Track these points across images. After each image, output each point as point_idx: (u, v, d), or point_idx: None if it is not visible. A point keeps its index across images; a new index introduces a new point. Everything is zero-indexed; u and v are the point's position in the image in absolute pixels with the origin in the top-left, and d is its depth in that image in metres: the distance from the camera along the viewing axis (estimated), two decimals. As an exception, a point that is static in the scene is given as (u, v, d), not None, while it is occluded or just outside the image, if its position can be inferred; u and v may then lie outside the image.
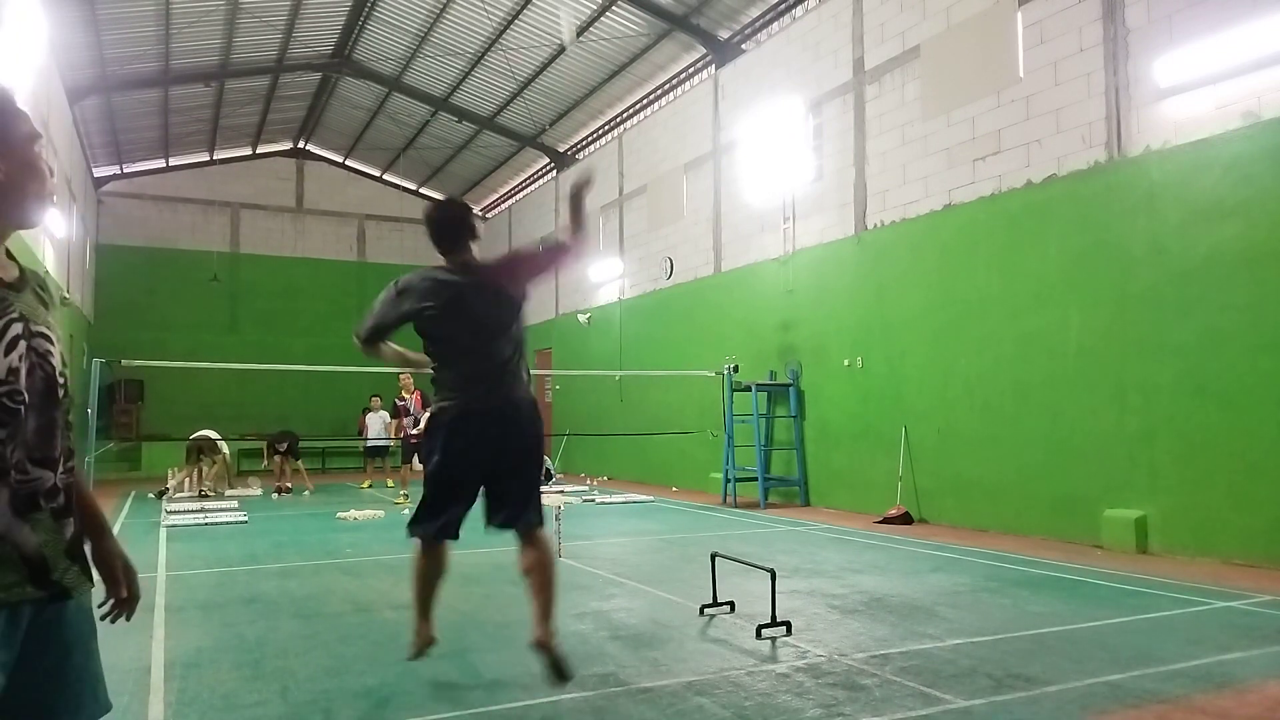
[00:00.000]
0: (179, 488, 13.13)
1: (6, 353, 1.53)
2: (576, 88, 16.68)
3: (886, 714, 3.54)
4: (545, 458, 4.03)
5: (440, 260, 3.88)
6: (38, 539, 1.52)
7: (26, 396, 1.53)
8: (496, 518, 3.86)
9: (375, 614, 5.46)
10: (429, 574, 3.93)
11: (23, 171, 1.58)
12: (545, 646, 3.66)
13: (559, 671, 3.65)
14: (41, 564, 1.52)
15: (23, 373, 1.53)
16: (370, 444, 15.32)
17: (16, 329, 1.56)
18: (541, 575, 3.77)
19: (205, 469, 13.27)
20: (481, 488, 3.87)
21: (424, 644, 3.99)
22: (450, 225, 3.86)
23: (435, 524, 3.84)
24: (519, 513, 3.82)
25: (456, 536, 3.88)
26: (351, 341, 4.07)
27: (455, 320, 3.74)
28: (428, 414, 4.13)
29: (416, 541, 3.93)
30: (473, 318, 3.75)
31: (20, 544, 1.50)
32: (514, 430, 3.81)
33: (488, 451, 3.77)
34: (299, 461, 14.04)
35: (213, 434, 13.08)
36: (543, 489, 4.07)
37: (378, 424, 14.97)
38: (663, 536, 8.84)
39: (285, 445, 14.09)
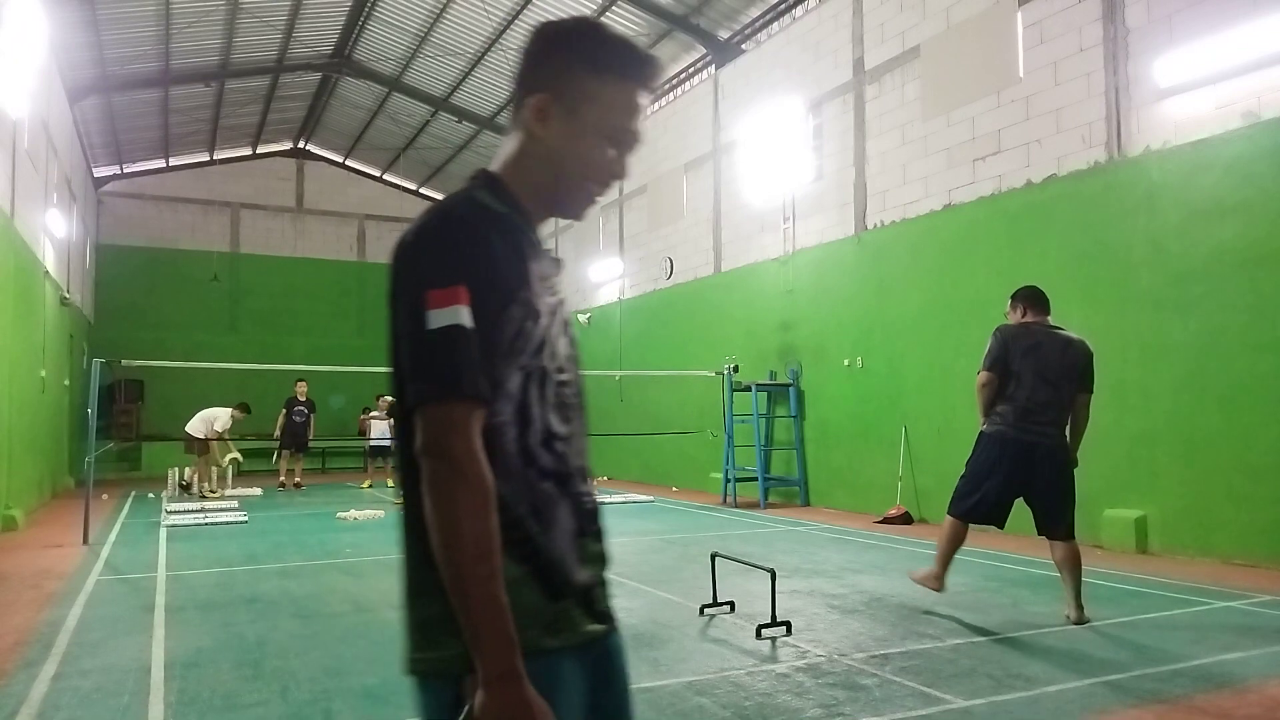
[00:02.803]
0: (212, 481, 13.28)
1: (563, 336, 1.34)
2: (576, 88, 16.66)
3: (886, 714, 3.54)
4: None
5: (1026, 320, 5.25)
6: (591, 568, 1.33)
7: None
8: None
9: (375, 614, 5.46)
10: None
11: (612, 163, 1.36)
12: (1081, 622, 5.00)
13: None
14: (594, 592, 1.33)
15: (574, 364, 1.36)
16: (373, 444, 15.36)
17: (565, 313, 1.37)
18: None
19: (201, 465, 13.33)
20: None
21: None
22: (1045, 298, 5.33)
23: (989, 514, 5.20)
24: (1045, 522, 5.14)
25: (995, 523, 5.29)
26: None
27: (1029, 360, 5.05)
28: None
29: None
30: (1043, 362, 5.03)
31: (572, 573, 1.29)
32: (1046, 461, 5.08)
33: (1030, 470, 5.06)
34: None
35: (198, 428, 13.11)
36: None
37: (382, 424, 14.98)
38: (663, 536, 8.84)
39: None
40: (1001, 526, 5.35)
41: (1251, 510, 6.82)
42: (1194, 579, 6.31)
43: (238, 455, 14.07)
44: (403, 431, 1.23)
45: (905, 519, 9.75)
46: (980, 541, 8.20)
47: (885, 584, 6.23)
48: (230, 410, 13.32)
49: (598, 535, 1.35)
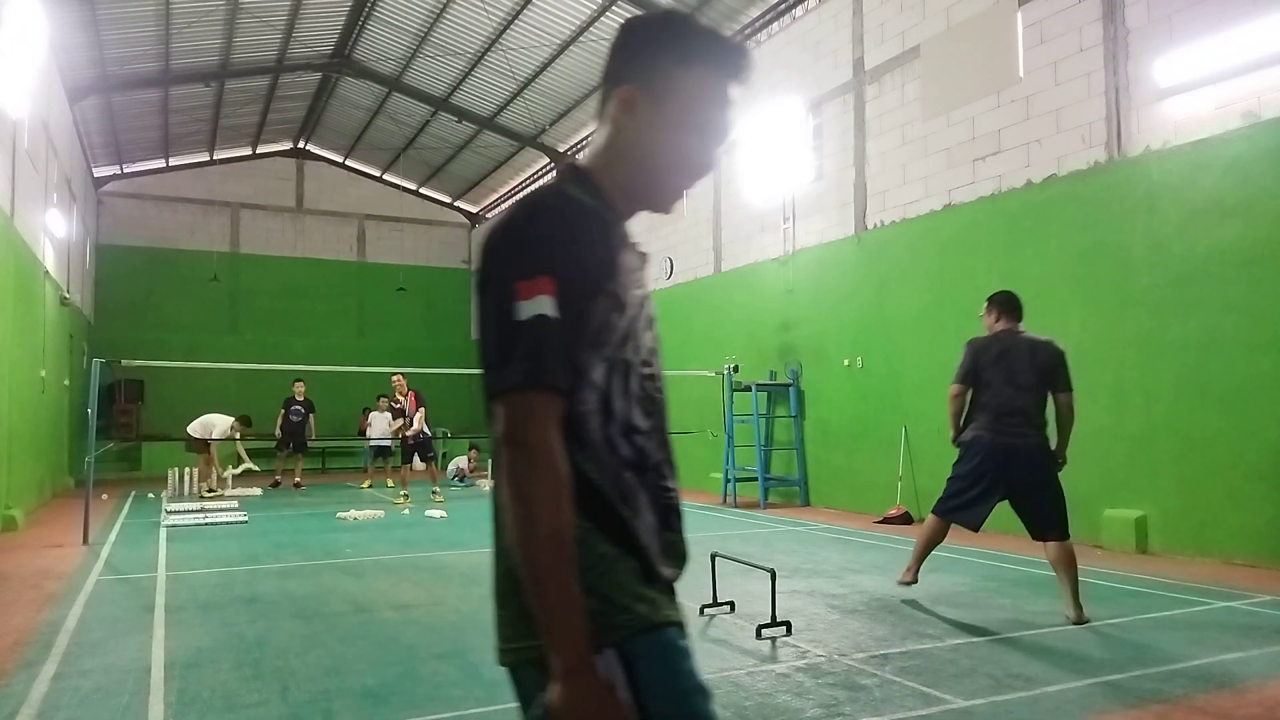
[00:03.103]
0: (212, 480, 13.36)
1: (648, 330, 1.33)
2: (576, 88, 16.67)
3: (886, 714, 3.54)
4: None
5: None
6: (672, 564, 1.32)
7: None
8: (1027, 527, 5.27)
9: (375, 614, 5.46)
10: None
11: (701, 154, 1.35)
12: (1081, 621, 4.97)
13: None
14: (673, 590, 1.32)
15: (657, 358, 1.36)
16: (374, 443, 15.37)
17: (651, 308, 1.37)
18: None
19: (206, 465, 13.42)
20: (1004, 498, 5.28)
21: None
22: (1018, 304, 5.41)
23: (967, 514, 5.35)
24: (1036, 525, 5.19)
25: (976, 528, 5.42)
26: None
27: (999, 367, 5.20)
28: (965, 437, 5.42)
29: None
30: (1012, 367, 5.17)
31: (657, 563, 1.27)
32: (1025, 461, 5.15)
33: (1008, 470, 5.17)
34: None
35: (198, 429, 13.26)
36: None
37: (382, 424, 14.99)
38: (663, 536, 8.83)
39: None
40: (976, 530, 5.43)
41: (1251, 510, 6.82)
42: (1194, 579, 6.32)
43: (252, 466, 14.14)
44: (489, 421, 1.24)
45: (905, 519, 9.74)
46: (981, 541, 8.20)
47: (885, 584, 6.23)
48: (231, 421, 13.45)
49: (680, 532, 1.34)
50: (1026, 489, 5.18)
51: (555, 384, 1.16)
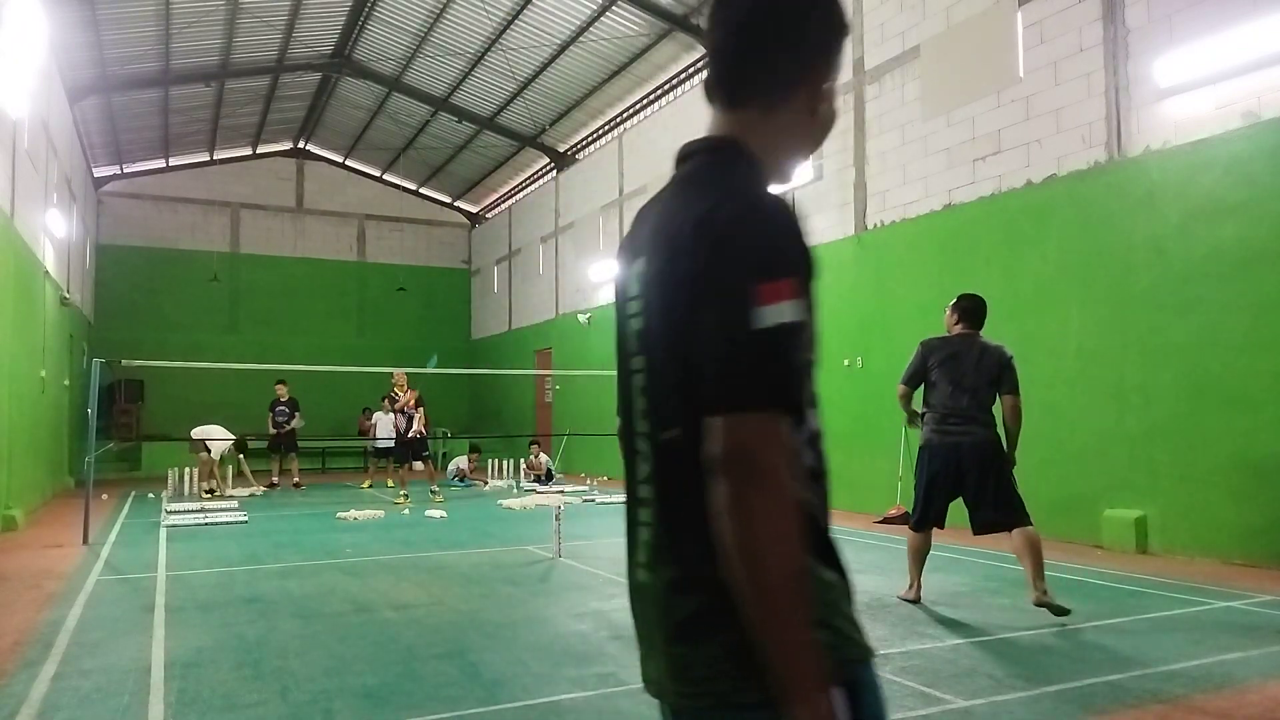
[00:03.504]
0: (214, 480, 13.50)
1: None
2: (576, 88, 16.69)
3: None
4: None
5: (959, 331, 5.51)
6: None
7: None
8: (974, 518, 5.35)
9: (375, 614, 5.46)
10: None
11: (828, 116, 1.29)
12: (1044, 603, 4.95)
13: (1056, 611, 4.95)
14: None
15: None
16: (380, 444, 15.35)
17: None
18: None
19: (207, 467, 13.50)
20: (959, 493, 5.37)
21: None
22: (982, 312, 5.56)
23: (938, 517, 5.48)
24: (992, 514, 5.26)
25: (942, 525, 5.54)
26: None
27: (945, 369, 5.35)
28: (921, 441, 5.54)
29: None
30: (959, 370, 5.32)
31: (851, 579, 1.18)
32: (972, 455, 5.26)
33: (959, 468, 5.29)
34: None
35: (199, 433, 13.41)
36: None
37: (387, 425, 14.97)
38: (663, 536, 8.82)
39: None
40: (941, 526, 5.55)
41: (1251, 510, 6.81)
42: (1194, 579, 6.31)
43: (256, 490, 14.19)
44: (671, 437, 1.13)
45: (905, 519, 9.72)
46: (981, 542, 8.18)
47: (885, 584, 6.23)
48: (232, 440, 13.71)
49: None
50: (978, 479, 5.24)
51: (797, 400, 1.07)
